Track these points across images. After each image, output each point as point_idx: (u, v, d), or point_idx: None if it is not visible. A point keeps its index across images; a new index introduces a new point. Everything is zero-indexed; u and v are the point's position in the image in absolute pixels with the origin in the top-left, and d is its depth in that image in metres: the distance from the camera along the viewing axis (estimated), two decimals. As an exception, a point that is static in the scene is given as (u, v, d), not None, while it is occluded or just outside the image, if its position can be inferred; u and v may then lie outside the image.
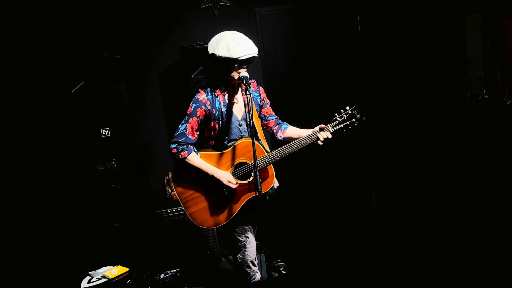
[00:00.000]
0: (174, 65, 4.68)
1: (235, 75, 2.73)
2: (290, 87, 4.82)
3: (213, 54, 2.72)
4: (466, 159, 4.29)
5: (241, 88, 2.87)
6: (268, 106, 3.09)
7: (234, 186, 2.80)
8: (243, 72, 2.72)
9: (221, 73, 2.79)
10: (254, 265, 3.00)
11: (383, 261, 3.91)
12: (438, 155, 4.61)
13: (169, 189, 4.41)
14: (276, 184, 3.07)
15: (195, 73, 4.24)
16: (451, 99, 4.55)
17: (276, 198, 3.04)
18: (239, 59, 2.66)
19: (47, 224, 4.36)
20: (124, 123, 4.17)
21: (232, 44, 2.67)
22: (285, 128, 3.06)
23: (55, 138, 4.40)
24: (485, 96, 4.16)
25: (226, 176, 2.80)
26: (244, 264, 2.98)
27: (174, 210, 4.15)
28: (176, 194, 2.92)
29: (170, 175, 4.42)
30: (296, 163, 4.47)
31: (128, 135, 4.22)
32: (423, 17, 4.62)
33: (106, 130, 4.12)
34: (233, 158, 2.85)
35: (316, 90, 4.80)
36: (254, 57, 2.73)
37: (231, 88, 2.87)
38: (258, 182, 2.49)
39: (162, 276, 3.82)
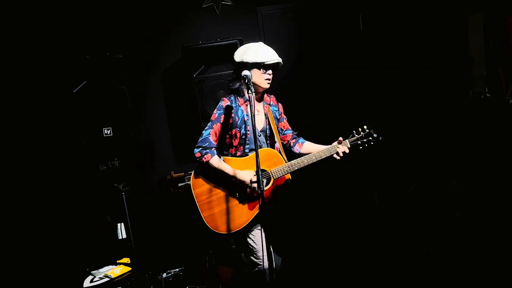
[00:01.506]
0: (176, 64, 4.68)
1: (259, 81, 2.90)
2: (292, 86, 4.81)
3: (241, 61, 2.90)
4: (469, 158, 4.29)
5: (264, 101, 3.08)
6: (285, 120, 3.23)
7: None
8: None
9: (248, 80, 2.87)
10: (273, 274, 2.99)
11: (386, 260, 3.91)
12: (440, 154, 4.61)
13: (171, 189, 4.41)
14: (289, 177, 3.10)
15: (196, 73, 4.24)
16: (454, 98, 4.55)
17: (287, 189, 3.06)
18: (266, 63, 2.86)
19: (50, 224, 4.37)
20: (126, 123, 4.17)
21: (261, 51, 2.90)
22: (302, 142, 3.18)
23: (57, 138, 4.40)
24: (487, 94, 4.15)
25: (248, 176, 2.87)
26: (257, 265, 2.98)
27: (177, 210, 4.15)
28: (185, 189, 2.97)
29: (173, 174, 4.43)
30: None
31: (130, 134, 4.21)
32: (426, 16, 4.61)
33: (108, 129, 4.12)
34: (252, 165, 2.90)
35: (318, 89, 4.79)
36: (278, 63, 2.94)
37: (261, 91, 3.02)
38: (260, 180, 2.52)
39: (164, 275, 3.82)
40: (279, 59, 2.94)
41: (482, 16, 4.17)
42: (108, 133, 4.12)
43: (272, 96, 3.18)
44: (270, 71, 2.92)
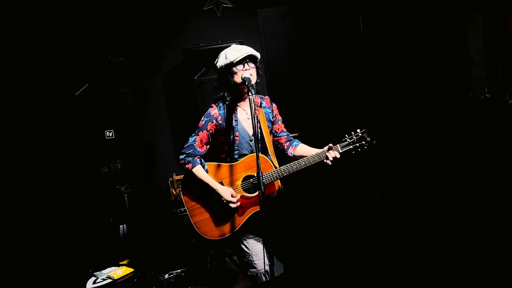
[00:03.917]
0: (177, 66, 4.71)
1: (239, 80, 2.78)
2: (293, 87, 4.83)
3: (216, 67, 2.86)
4: (469, 158, 4.29)
5: (254, 103, 2.88)
6: (280, 122, 3.13)
7: (234, 206, 2.83)
8: (245, 73, 2.76)
9: (230, 85, 2.85)
10: (266, 278, 2.96)
11: (387, 260, 3.91)
12: (441, 155, 4.62)
13: (173, 190, 4.44)
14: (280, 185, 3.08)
15: (198, 75, 4.27)
16: (454, 98, 4.55)
17: (280, 197, 3.05)
18: (235, 61, 2.75)
19: (53, 226, 4.39)
20: (128, 125, 4.19)
21: (229, 51, 2.82)
22: (296, 145, 3.08)
23: (60, 140, 4.42)
24: (487, 95, 4.16)
25: (227, 193, 2.83)
26: (258, 277, 2.97)
27: (178, 211, 4.17)
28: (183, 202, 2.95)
29: (174, 176, 4.45)
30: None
31: (132, 136, 4.23)
32: (425, 17, 4.62)
33: (110, 131, 4.14)
34: (242, 171, 2.88)
35: (318, 90, 4.81)
36: (253, 56, 2.81)
37: (243, 103, 2.94)
38: (261, 182, 2.49)
39: (166, 276, 3.83)
40: (249, 52, 2.80)
41: (481, 17, 4.18)
42: (110, 135, 4.14)
43: (266, 97, 3.09)
44: (246, 66, 2.79)
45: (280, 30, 4.78)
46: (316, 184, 4.82)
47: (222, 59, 2.82)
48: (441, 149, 4.62)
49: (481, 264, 3.50)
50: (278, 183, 2.90)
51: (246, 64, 2.79)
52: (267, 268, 2.95)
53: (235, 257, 4.07)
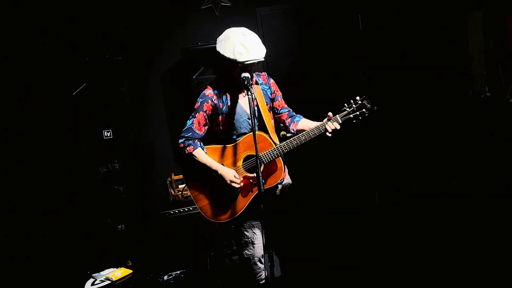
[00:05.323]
0: (175, 66, 4.68)
1: (238, 76, 2.72)
2: (292, 86, 4.80)
3: (219, 52, 2.70)
4: (469, 157, 4.29)
5: (248, 100, 2.81)
6: (280, 98, 3.05)
7: (237, 186, 2.78)
8: (245, 73, 2.70)
9: (227, 70, 2.79)
10: (261, 262, 2.96)
11: (386, 260, 3.90)
12: (441, 153, 4.61)
13: (172, 190, 4.41)
14: (289, 181, 3.05)
15: (196, 74, 4.24)
16: (454, 97, 4.54)
17: (287, 194, 3.02)
18: (242, 62, 2.64)
19: (51, 227, 4.37)
20: (126, 125, 4.17)
21: (238, 47, 2.63)
22: (297, 121, 3.02)
23: (57, 140, 4.40)
24: (487, 93, 4.15)
25: (230, 174, 2.78)
26: (251, 261, 2.95)
27: (177, 211, 4.15)
28: (186, 190, 2.92)
29: (173, 176, 4.43)
30: (299, 161, 4.46)
31: (131, 136, 4.22)
32: (425, 15, 4.61)
33: (108, 131, 4.12)
34: (242, 151, 2.84)
35: (318, 90, 4.79)
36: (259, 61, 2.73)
37: (239, 83, 2.82)
38: (261, 182, 2.45)
39: (165, 277, 3.82)
40: (258, 58, 2.66)
41: (481, 15, 4.17)
42: (108, 135, 4.12)
43: (263, 73, 2.97)
44: (247, 70, 2.68)
45: (279, 28, 4.76)
46: (316, 183, 4.80)
47: (229, 51, 2.64)
48: (441, 148, 4.61)
49: (481, 263, 3.49)
50: (280, 164, 2.84)
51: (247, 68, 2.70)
52: (262, 253, 2.93)
53: (235, 258, 4.05)
